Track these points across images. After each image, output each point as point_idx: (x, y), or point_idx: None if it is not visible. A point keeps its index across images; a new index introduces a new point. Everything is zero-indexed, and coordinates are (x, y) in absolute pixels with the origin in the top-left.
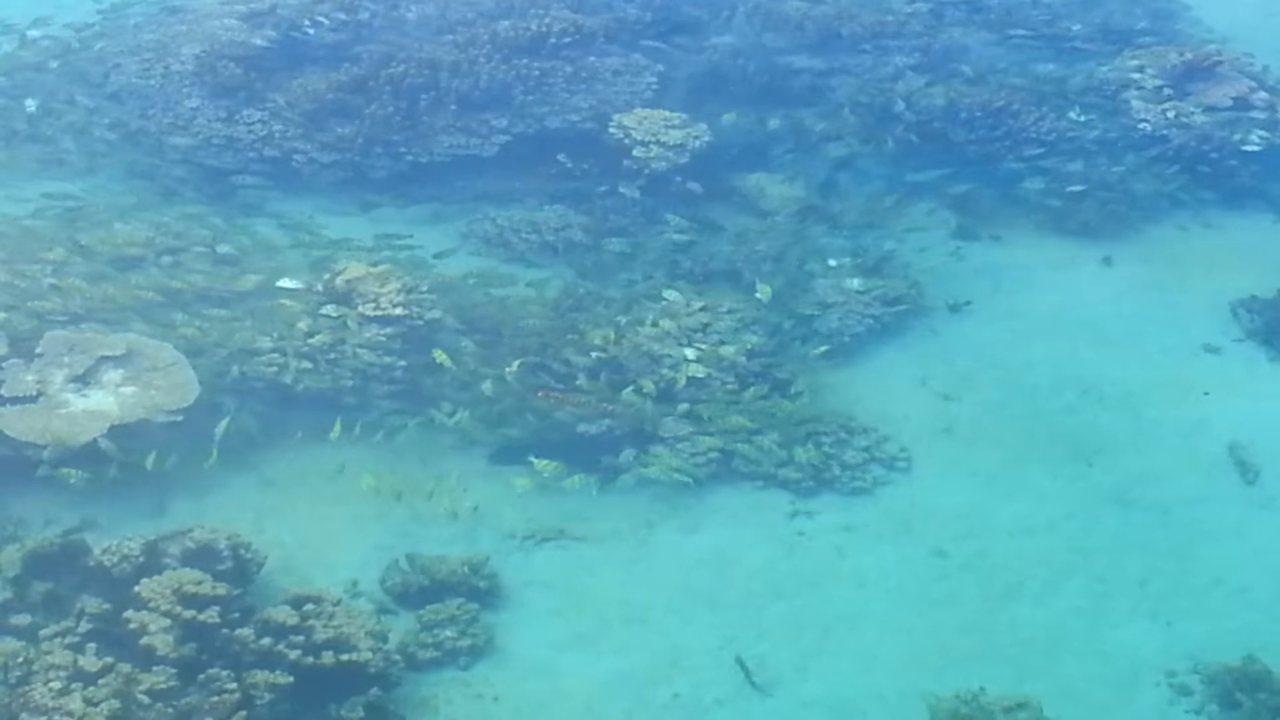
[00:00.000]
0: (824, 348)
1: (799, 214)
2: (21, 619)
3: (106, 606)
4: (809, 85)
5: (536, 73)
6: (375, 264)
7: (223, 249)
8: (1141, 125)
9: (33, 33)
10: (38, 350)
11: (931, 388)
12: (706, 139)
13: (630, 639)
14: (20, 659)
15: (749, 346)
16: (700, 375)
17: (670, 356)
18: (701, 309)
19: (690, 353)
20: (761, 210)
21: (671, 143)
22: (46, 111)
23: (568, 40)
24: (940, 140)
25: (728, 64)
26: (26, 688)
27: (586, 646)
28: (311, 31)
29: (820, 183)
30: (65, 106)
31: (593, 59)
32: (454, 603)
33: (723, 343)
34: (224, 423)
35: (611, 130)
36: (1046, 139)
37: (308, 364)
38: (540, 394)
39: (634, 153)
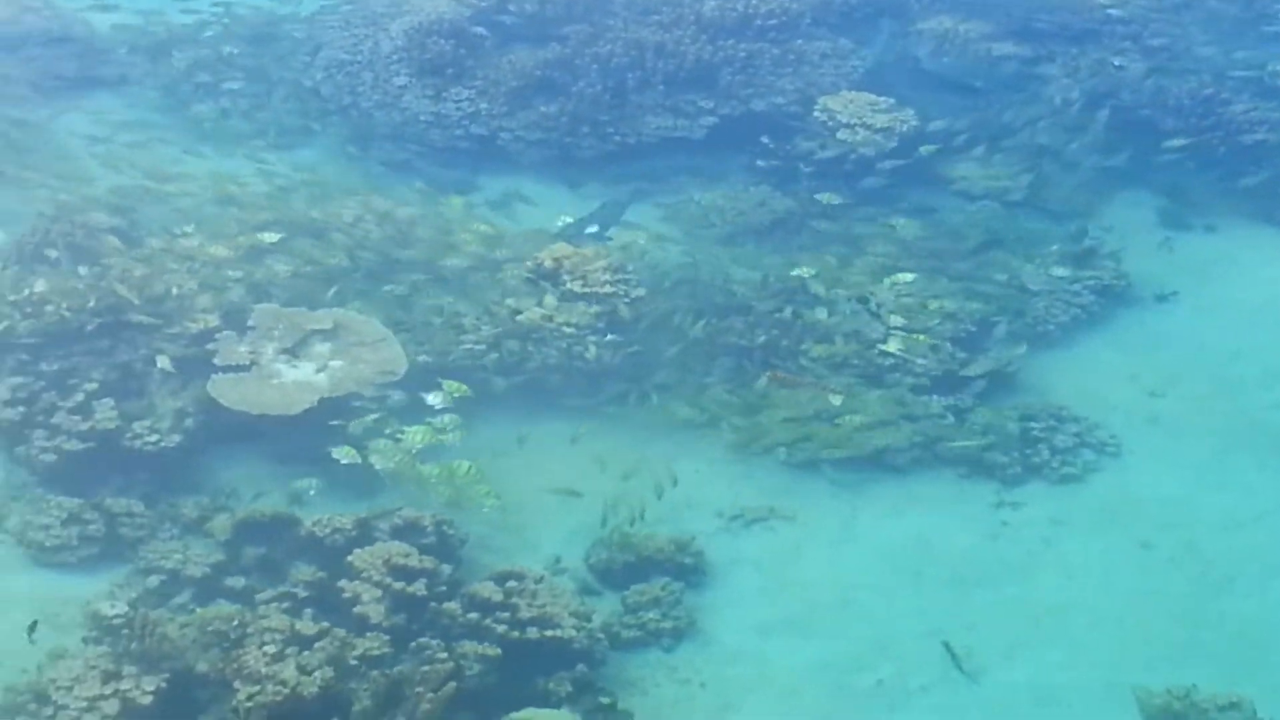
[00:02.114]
0: (1023, 348)
1: (1005, 201)
2: (236, 581)
3: (321, 574)
4: (1016, 72)
5: (743, 54)
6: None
7: (426, 226)
8: None
9: (240, 9)
10: (249, 323)
11: (1139, 379)
12: (913, 123)
13: (834, 623)
14: (235, 622)
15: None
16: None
17: (878, 342)
18: (908, 295)
19: (894, 343)
20: (970, 196)
21: (878, 126)
22: (254, 86)
23: (774, 22)
24: (1149, 128)
25: (932, 48)
26: (241, 651)
27: (791, 630)
28: (517, 9)
29: (1028, 169)
30: (272, 81)
31: (800, 41)
32: (659, 582)
33: (926, 331)
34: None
35: (816, 113)
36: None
37: (514, 341)
38: (768, 374)
39: (839, 135)
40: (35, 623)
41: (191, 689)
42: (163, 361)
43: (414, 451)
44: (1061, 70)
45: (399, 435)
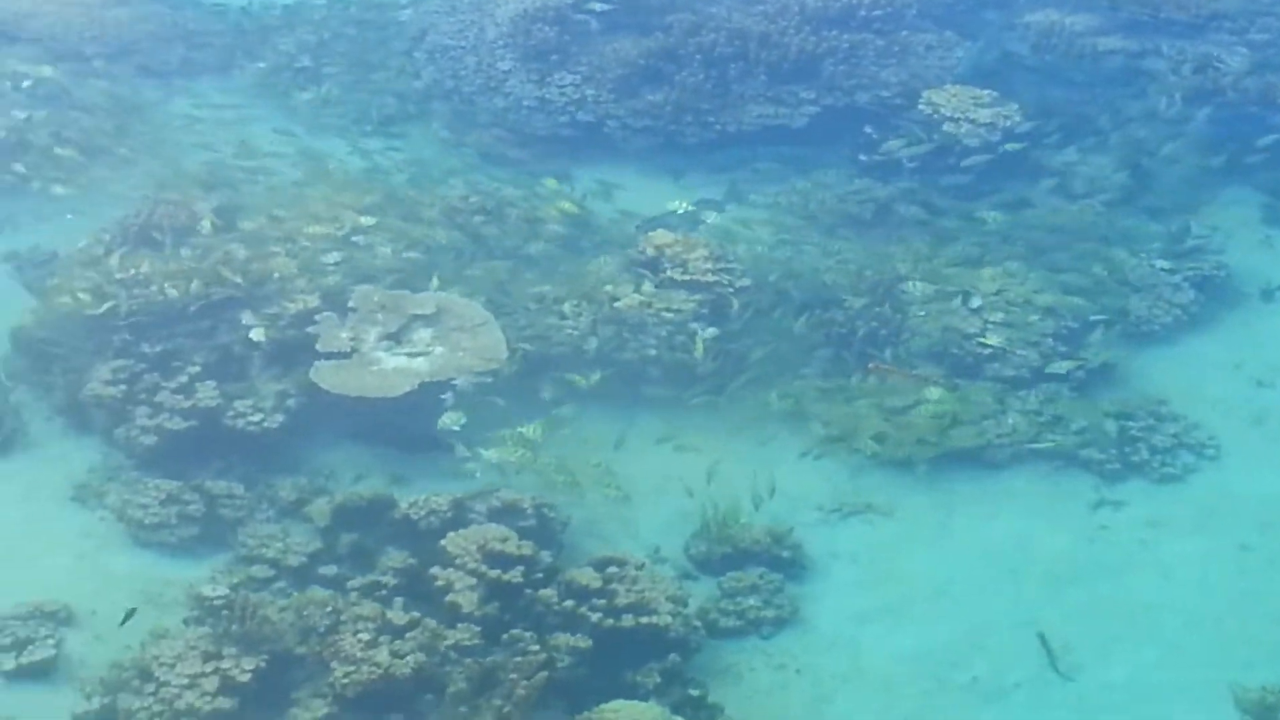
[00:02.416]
0: (1123, 351)
1: (1108, 198)
2: (329, 569)
3: (412, 561)
4: (1121, 67)
5: (846, 45)
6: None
7: (528, 210)
8: None
9: None
10: (350, 304)
11: (1242, 375)
12: (1017, 118)
13: (931, 617)
14: (329, 608)
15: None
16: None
17: (976, 336)
18: (1007, 288)
19: (992, 336)
20: (1071, 193)
21: (982, 120)
22: (355, 72)
23: (878, 13)
24: (1255, 125)
25: (1040, 42)
26: (335, 636)
27: (888, 621)
28: None
29: (1130, 166)
30: (374, 66)
31: (904, 33)
32: (756, 571)
33: (1026, 324)
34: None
35: (921, 106)
36: None
37: (610, 328)
38: (870, 365)
39: (944, 128)
40: (133, 610)
41: (289, 669)
42: (257, 334)
43: (536, 443)
44: (1166, 66)
45: (520, 428)
